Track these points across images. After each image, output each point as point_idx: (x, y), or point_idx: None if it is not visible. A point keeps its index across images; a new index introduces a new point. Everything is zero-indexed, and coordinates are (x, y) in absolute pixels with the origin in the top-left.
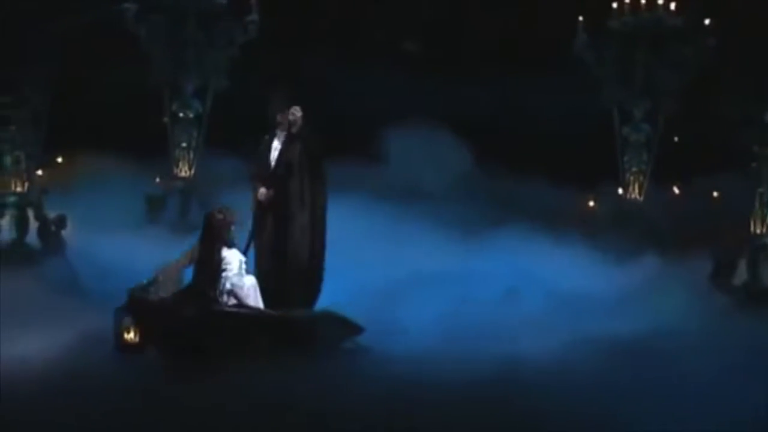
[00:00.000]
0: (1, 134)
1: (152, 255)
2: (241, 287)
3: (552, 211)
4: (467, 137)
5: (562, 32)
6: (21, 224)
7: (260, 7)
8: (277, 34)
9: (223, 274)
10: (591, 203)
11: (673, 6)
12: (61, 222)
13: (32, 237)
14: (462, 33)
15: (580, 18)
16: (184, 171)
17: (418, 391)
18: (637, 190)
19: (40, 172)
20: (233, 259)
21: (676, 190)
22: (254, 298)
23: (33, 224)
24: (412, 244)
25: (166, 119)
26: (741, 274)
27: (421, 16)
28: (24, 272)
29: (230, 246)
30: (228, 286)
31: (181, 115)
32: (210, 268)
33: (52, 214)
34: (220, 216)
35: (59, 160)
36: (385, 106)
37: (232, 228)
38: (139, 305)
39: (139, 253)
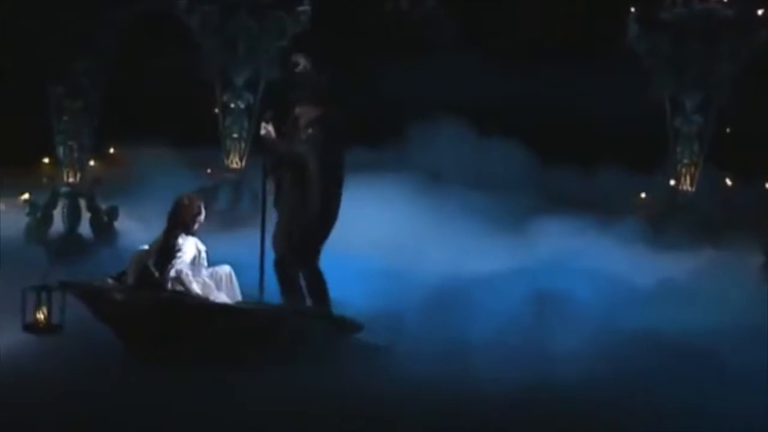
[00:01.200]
0: (54, 124)
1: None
2: (187, 274)
3: (603, 204)
4: (518, 128)
5: (614, 23)
6: (73, 215)
7: None
8: (326, 24)
9: (172, 260)
10: (643, 195)
11: None
12: (113, 213)
13: (84, 228)
14: (510, 23)
15: (632, 9)
16: (235, 162)
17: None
18: (688, 182)
19: (92, 163)
20: (188, 247)
21: (729, 182)
22: (227, 289)
23: (85, 215)
24: (456, 240)
25: (217, 110)
26: None
27: (465, 6)
28: (75, 263)
29: (188, 233)
30: (173, 273)
31: (232, 105)
32: (162, 252)
33: (104, 205)
34: (185, 202)
35: (111, 150)
36: (427, 96)
37: (199, 218)
38: (74, 290)
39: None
